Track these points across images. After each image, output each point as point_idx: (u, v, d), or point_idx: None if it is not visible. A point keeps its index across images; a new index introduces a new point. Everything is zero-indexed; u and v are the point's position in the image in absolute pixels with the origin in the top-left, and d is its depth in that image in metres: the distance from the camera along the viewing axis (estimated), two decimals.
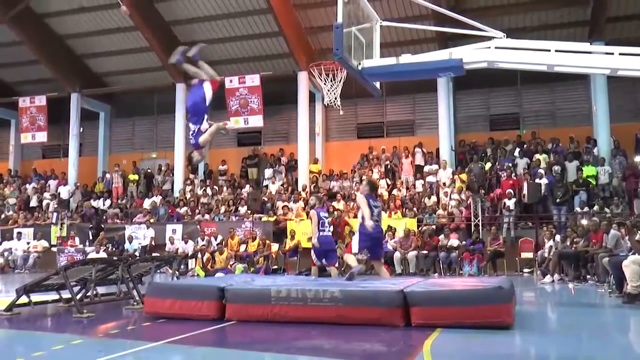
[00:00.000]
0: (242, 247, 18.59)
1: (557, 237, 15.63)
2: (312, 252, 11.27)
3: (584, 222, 15.80)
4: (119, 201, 24.61)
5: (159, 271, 14.33)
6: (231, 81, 23.29)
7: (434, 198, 19.91)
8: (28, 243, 21.67)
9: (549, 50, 9.39)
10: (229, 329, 7.36)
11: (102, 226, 21.85)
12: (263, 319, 7.46)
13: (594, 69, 10.24)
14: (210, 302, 7.83)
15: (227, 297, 7.78)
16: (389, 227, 17.74)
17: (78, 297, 9.07)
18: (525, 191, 18.62)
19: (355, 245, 10.11)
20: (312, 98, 23.90)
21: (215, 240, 19.28)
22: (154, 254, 17.52)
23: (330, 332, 6.88)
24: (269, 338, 6.79)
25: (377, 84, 10.84)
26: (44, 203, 25.01)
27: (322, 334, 6.83)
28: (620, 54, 9.06)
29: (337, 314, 7.19)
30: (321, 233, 11.05)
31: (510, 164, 20.10)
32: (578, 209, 18.18)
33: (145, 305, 8.38)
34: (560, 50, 9.41)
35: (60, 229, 21.90)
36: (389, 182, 21.31)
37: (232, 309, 7.71)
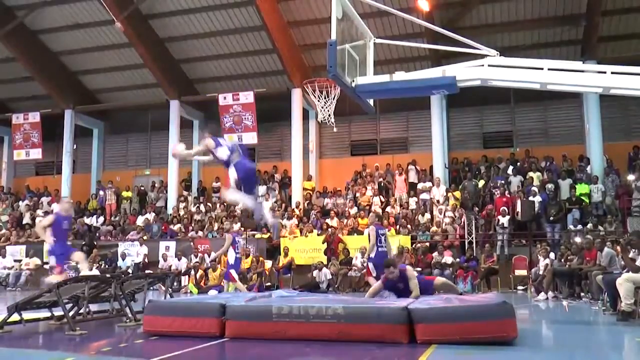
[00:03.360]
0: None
1: (552, 255, 15.66)
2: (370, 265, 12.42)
3: (578, 239, 15.83)
4: (112, 218, 24.52)
5: (151, 288, 14.25)
6: (225, 98, 23.38)
7: (427, 215, 19.91)
8: (19, 261, 21.51)
9: (542, 69, 9.46)
10: (221, 346, 7.29)
11: (95, 243, 21.76)
12: (264, 336, 7.33)
13: (586, 87, 10.30)
14: (211, 320, 7.69)
15: (227, 314, 7.65)
16: None
17: (70, 314, 9.00)
18: (518, 209, 18.64)
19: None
20: (305, 115, 23.95)
21: (209, 257, 19.21)
22: (147, 271, 17.44)
23: (325, 350, 6.84)
24: (263, 355, 6.74)
25: (371, 101, 10.88)
26: (37, 220, 24.84)
27: (317, 352, 6.78)
28: (612, 72, 9.13)
29: (339, 330, 7.08)
30: (379, 249, 12.17)
31: (503, 182, 20.15)
32: (571, 227, 18.21)
33: (144, 324, 8.21)
34: (553, 68, 9.48)
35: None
36: (383, 200, 21.30)
37: (232, 327, 7.58)
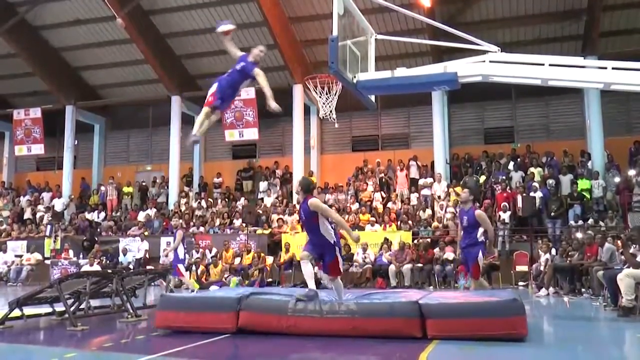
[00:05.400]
0: (237, 260, 18.56)
1: (553, 251, 15.66)
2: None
3: (579, 235, 15.83)
4: (114, 214, 24.56)
5: (152, 284, 14.28)
6: None
7: (429, 211, 19.92)
8: (20, 256, 21.53)
9: (543, 65, 9.45)
10: (224, 341, 7.30)
11: (96, 239, 21.78)
12: (277, 330, 7.32)
13: (587, 83, 10.31)
14: (228, 314, 7.60)
15: (242, 305, 7.58)
16: (385, 240, 17.78)
17: (71, 310, 9.02)
18: (519, 204, 18.67)
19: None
20: (307, 111, 23.93)
21: (210, 252, 19.24)
22: (148, 267, 17.47)
23: (327, 345, 6.85)
24: (263, 350, 6.75)
25: (372, 97, 10.87)
26: (38, 216, 24.92)
27: (318, 347, 6.79)
28: (613, 68, 9.12)
29: (353, 326, 7.12)
30: None
31: (504, 177, 20.13)
32: (572, 223, 18.20)
33: (157, 320, 8.07)
34: (554, 64, 9.47)
35: (54, 242, 21.81)
36: (384, 195, 21.31)
37: (245, 318, 7.53)
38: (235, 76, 8.18)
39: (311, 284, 7.60)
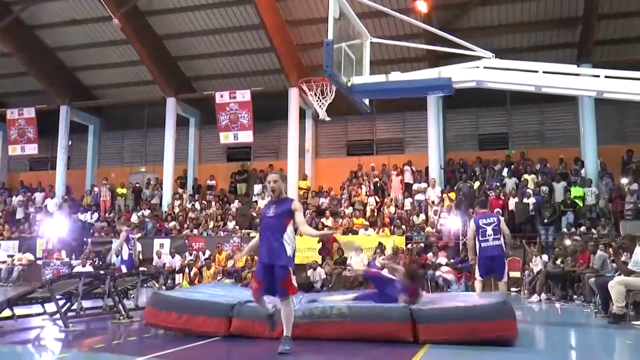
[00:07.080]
0: (230, 263, 18.53)
1: (545, 257, 15.70)
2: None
3: (568, 242, 15.92)
4: (107, 215, 24.48)
5: (145, 285, 14.25)
6: (222, 96, 23.31)
7: (422, 216, 19.94)
8: (12, 256, 21.44)
9: (537, 72, 9.49)
10: (215, 344, 7.28)
11: (85, 239, 21.74)
12: (269, 337, 7.20)
13: (580, 90, 10.36)
14: (219, 319, 7.56)
15: (234, 311, 7.55)
16: (379, 244, 17.79)
17: (63, 310, 8.98)
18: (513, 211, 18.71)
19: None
20: (302, 114, 23.92)
21: (203, 255, 19.21)
22: (140, 268, 17.40)
23: (318, 348, 6.85)
24: (256, 354, 6.74)
25: (367, 101, 10.89)
26: (30, 216, 24.83)
27: (308, 350, 6.78)
28: (606, 76, 9.16)
29: (345, 330, 7.11)
30: (483, 244, 10.22)
31: (498, 184, 20.17)
32: (565, 230, 18.25)
33: (146, 316, 8.00)
34: (548, 71, 9.50)
35: (47, 242, 21.72)
36: (378, 200, 21.31)
37: (237, 324, 7.50)
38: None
39: (288, 330, 6.61)
